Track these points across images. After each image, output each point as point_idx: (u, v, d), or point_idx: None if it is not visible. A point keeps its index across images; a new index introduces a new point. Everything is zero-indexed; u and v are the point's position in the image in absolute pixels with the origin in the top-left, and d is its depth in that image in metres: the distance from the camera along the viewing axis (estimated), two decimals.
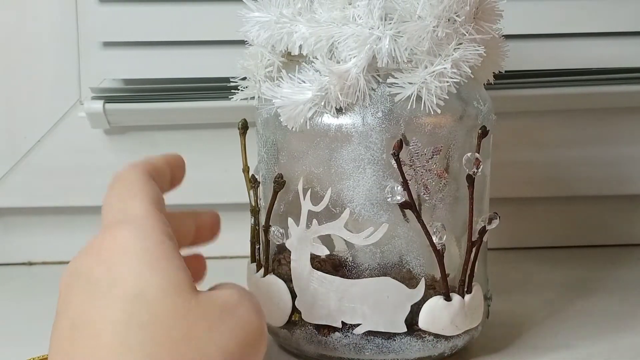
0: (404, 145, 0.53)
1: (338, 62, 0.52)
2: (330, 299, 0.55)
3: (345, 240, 0.54)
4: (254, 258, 0.60)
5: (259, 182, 0.59)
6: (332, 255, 0.55)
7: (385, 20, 0.51)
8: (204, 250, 0.79)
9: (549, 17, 0.75)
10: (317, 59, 0.52)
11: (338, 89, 0.51)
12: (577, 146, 0.79)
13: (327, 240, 0.55)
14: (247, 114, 0.62)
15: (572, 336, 0.62)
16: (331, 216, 0.54)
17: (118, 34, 0.74)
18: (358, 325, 0.55)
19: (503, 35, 0.58)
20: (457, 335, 0.56)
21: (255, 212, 0.59)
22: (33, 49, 0.75)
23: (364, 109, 0.53)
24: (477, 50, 0.53)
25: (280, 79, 0.54)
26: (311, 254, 0.55)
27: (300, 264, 0.55)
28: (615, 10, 0.75)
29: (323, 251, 0.54)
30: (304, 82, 0.52)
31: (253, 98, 0.59)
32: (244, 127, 0.60)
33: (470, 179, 0.55)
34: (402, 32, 0.51)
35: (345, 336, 0.55)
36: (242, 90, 0.60)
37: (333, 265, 0.55)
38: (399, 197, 0.53)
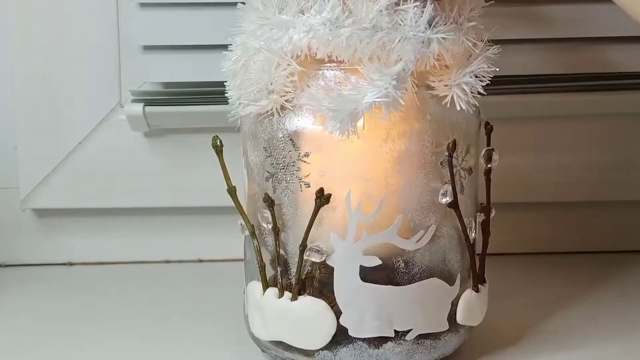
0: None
1: (387, 66, 0.51)
2: (382, 310, 0.54)
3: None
4: (267, 283, 0.57)
5: (274, 201, 0.55)
6: (382, 264, 0.54)
7: (431, 24, 0.51)
8: (203, 251, 0.80)
9: (549, 21, 0.75)
10: (365, 64, 0.51)
11: (400, 94, 0.51)
12: (576, 151, 0.79)
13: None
14: None
15: (574, 339, 0.63)
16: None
17: (158, 37, 0.75)
18: (409, 331, 0.55)
19: (498, 40, 0.58)
20: None
21: (276, 232, 0.56)
22: (75, 53, 0.76)
23: (414, 113, 0.53)
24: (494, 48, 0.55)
25: (307, 86, 0.54)
26: (360, 267, 0.54)
27: (346, 279, 0.54)
28: (616, 14, 0.75)
29: (375, 262, 0.54)
30: (356, 89, 0.51)
31: (273, 115, 0.55)
32: (221, 146, 0.58)
33: (488, 173, 0.58)
34: (445, 36, 0.51)
35: (397, 344, 0.55)
36: (254, 105, 0.55)
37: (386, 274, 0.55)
38: (448, 198, 0.54)
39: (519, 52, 0.75)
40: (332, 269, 0.54)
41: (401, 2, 0.51)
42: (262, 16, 0.54)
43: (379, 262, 0.54)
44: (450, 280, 0.56)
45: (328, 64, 0.54)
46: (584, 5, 0.75)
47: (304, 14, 0.52)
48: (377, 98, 0.50)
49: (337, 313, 0.55)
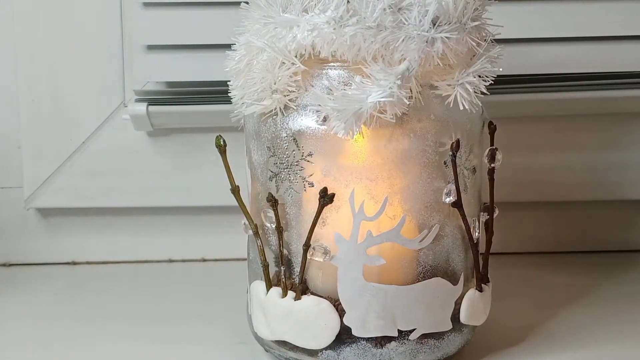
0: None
1: (391, 66, 0.51)
2: (386, 309, 0.54)
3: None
4: (270, 283, 0.57)
5: (277, 201, 0.55)
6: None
7: (435, 23, 0.51)
8: (207, 250, 0.80)
9: (546, 21, 0.75)
10: (369, 64, 0.51)
11: (404, 94, 0.51)
12: (575, 151, 0.79)
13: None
14: None
15: (577, 338, 0.63)
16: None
17: (162, 37, 0.75)
18: (413, 330, 0.55)
19: (499, 39, 0.57)
20: None
21: (280, 231, 0.56)
22: (79, 53, 0.77)
23: (418, 112, 0.53)
24: (498, 48, 0.54)
25: (311, 86, 0.54)
26: (364, 266, 0.54)
27: (350, 279, 0.54)
28: (615, 14, 0.75)
29: (379, 261, 0.54)
30: (360, 89, 0.51)
31: (276, 114, 0.54)
32: (224, 145, 0.58)
33: (491, 172, 0.58)
34: (449, 35, 0.51)
35: (401, 344, 0.55)
36: (257, 104, 0.55)
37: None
38: (451, 197, 0.54)
39: (521, 52, 0.75)
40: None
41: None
42: (266, 15, 0.54)
43: (383, 261, 0.54)
44: (453, 280, 0.56)
45: (332, 64, 0.54)
46: (584, 5, 0.75)
47: (308, 13, 0.52)
48: (381, 98, 0.50)
49: (341, 312, 0.55)
